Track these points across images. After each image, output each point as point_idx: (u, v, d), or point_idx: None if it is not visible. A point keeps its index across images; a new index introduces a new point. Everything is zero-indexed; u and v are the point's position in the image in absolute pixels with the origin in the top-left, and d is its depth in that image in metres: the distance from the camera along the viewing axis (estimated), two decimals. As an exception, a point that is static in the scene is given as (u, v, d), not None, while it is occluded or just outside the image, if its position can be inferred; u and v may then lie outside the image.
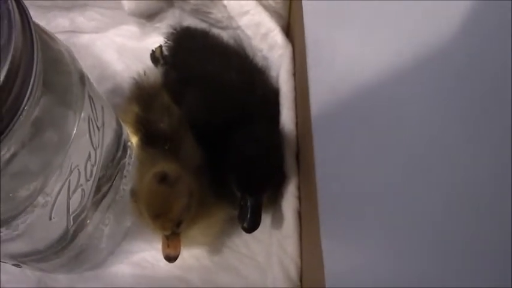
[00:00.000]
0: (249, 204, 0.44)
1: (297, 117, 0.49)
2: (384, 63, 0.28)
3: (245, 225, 0.43)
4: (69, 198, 0.38)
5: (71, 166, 0.37)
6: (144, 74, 0.54)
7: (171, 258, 0.44)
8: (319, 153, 0.38)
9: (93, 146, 0.39)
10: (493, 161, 0.18)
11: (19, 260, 0.43)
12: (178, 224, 0.44)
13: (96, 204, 0.44)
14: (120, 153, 0.46)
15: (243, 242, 0.52)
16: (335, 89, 0.35)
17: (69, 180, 0.37)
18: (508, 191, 0.17)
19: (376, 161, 0.29)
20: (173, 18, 0.59)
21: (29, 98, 0.30)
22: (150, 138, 0.48)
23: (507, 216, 0.18)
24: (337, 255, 0.33)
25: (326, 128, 0.38)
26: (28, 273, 0.51)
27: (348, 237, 0.33)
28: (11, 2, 0.29)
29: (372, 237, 0.29)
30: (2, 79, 0.27)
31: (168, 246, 0.44)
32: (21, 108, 0.29)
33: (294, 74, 0.50)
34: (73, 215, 0.40)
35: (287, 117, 0.49)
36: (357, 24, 0.32)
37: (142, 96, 0.51)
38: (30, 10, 0.32)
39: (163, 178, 0.43)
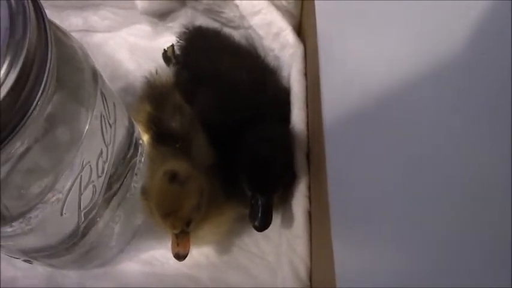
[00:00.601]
0: (260, 203, 0.44)
1: (307, 117, 0.49)
2: (397, 63, 0.28)
3: (256, 223, 0.43)
4: (80, 194, 0.38)
5: (83, 162, 0.37)
6: (156, 73, 0.54)
7: (180, 257, 0.44)
8: (330, 154, 0.38)
9: (105, 142, 0.39)
10: (507, 165, 0.18)
11: (30, 255, 0.43)
12: (188, 223, 0.44)
13: (107, 201, 0.44)
14: (131, 151, 0.46)
15: (253, 241, 0.52)
16: (347, 89, 0.35)
17: (81, 176, 0.37)
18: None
19: (387, 162, 0.29)
20: (185, 18, 0.59)
21: (42, 93, 0.30)
22: (162, 136, 0.49)
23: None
24: (347, 256, 0.33)
25: (337, 128, 0.37)
26: (39, 270, 0.51)
27: (358, 239, 0.33)
28: (26, -2, 0.29)
29: (383, 238, 0.29)
30: (16, 74, 0.27)
31: (178, 244, 0.44)
32: (35, 103, 0.30)
33: (305, 74, 0.50)
34: (84, 211, 0.40)
35: (298, 117, 0.49)
36: (370, 23, 0.32)
37: (154, 95, 0.51)
38: (45, 10, 0.32)
39: (173, 177, 0.43)
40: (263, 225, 0.44)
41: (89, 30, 0.63)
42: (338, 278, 0.32)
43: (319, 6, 0.45)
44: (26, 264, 0.48)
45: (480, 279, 0.19)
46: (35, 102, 0.30)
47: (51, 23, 0.33)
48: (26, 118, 0.29)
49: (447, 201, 0.22)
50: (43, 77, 0.30)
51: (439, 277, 0.22)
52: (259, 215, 0.43)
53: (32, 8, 0.30)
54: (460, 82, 0.22)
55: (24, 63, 0.28)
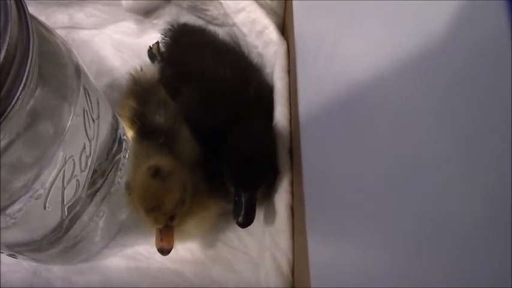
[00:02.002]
0: (243, 199, 0.44)
1: (290, 113, 0.49)
2: (372, 59, 0.28)
3: (240, 220, 0.44)
4: (63, 188, 0.39)
5: (66, 157, 0.37)
6: (141, 70, 0.54)
7: (164, 251, 0.45)
8: (306, 149, 0.39)
9: (88, 137, 0.40)
10: (485, 159, 0.18)
11: (15, 249, 0.43)
12: (172, 218, 0.44)
13: (91, 196, 0.45)
14: (115, 146, 0.47)
15: (236, 237, 0.53)
16: (322, 85, 0.35)
17: (64, 170, 0.37)
18: (501, 185, 0.17)
19: (362, 157, 0.29)
20: (170, 15, 0.60)
21: (23, 88, 0.30)
22: (146, 131, 0.49)
23: (499, 211, 0.17)
24: (321, 250, 0.34)
25: (313, 124, 0.38)
26: (24, 264, 0.52)
27: (333, 233, 0.33)
28: (8, -7, 0.30)
29: (357, 233, 0.29)
30: (-3, 68, 0.28)
31: (162, 239, 0.44)
32: (16, 97, 0.30)
33: (289, 71, 0.51)
34: (68, 205, 0.41)
35: (281, 113, 0.49)
36: (344, 22, 0.33)
37: (138, 91, 0.52)
38: (29, 6, 0.32)
39: (156, 172, 0.43)
40: (246, 221, 0.44)
41: (74, 27, 0.63)
42: (312, 273, 0.33)
43: (296, 5, 0.45)
44: (11, 259, 0.49)
45: (458, 276, 0.19)
46: (16, 96, 0.30)
47: (33, 18, 0.33)
48: (7, 112, 0.30)
49: (423, 195, 0.22)
50: (24, 72, 0.30)
51: (412, 272, 0.23)
52: (243, 211, 0.44)
53: (13, 3, 0.30)
54: (433, 76, 0.22)
55: (5, 58, 0.28)
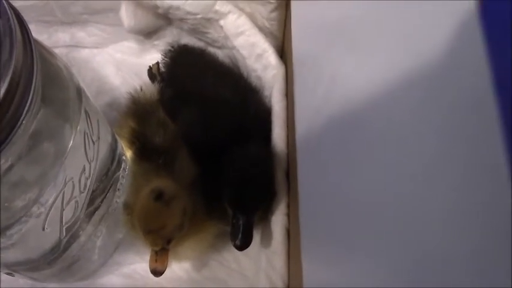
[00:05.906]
0: (240, 222, 0.44)
1: (288, 136, 0.50)
2: (369, 84, 0.28)
3: (237, 243, 0.44)
4: (62, 209, 0.39)
5: (66, 178, 0.38)
6: (141, 90, 0.55)
7: (157, 273, 0.44)
8: (302, 171, 0.39)
9: (87, 159, 0.40)
10: (481, 174, 0.18)
11: (12, 268, 0.43)
12: (169, 241, 0.44)
13: (89, 216, 0.45)
14: (114, 166, 0.47)
15: (232, 257, 0.53)
16: (320, 108, 0.36)
17: (63, 192, 0.38)
18: (499, 196, 0.17)
19: (358, 180, 0.29)
20: (171, 36, 0.60)
21: (27, 112, 0.31)
22: (145, 152, 0.49)
23: (499, 226, 0.17)
24: (316, 272, 0.34)
25: (310, 147, 0.38)
26: (21, 282, 0.52)
27: (328, 255, 0.33)
28: (13, 20, 0.30)
29: (353, 256, 0.30)
30: (2, 94, 0.28)
31: (156, 260, 0.44)
32: (20, 122, 0.30)
33: (287, 94, 0.52)
34: (66, 226, 0.41)
35: (278, 136, 0.49)
36: (343, 45, 0.33)
37: (138, 111, 0.52)
38: (32, 25, 0.33)
39: (159, 195, 0.44)
40: (244, 244, 0.44)
41: (76, 45, 0.64)
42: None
43: (295, 30, 0.46)
44: (8, 277, 0.49)
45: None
46: (20, 120, 0.31)
47: (37, 42, 0.34)
48: (11, 136, 0.30)
49: (421, 220, 0.22)
50: (28, 97, 0.31)
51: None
52: (240, 234, 0.44)
53: (18, 30, 0.31)
54: (433, 103, 0.22)
55: (10, 84, 0.29)
